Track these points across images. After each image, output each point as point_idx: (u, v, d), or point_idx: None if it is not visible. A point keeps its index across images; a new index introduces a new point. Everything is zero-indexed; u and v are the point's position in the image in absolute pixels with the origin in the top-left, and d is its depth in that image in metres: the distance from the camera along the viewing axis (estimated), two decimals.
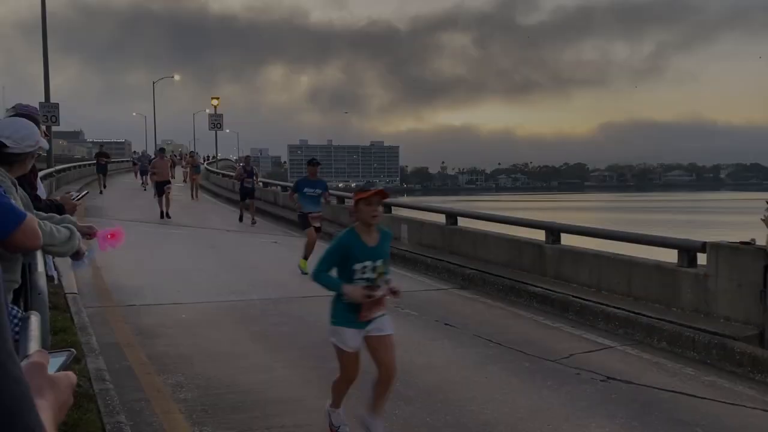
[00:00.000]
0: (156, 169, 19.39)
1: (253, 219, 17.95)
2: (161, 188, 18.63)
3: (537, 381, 5.77)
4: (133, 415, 4.69)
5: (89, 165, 37.68)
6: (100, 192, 25.47)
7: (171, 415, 4.80)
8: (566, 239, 9.70)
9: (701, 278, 7.20)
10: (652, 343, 6.99)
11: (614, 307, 7.72)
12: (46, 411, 0.95)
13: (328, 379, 5.67)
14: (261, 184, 24.03)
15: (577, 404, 5.22)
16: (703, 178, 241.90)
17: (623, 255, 8.54)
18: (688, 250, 7.53)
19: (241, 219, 18.45)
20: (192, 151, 37.27)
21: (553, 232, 9.68)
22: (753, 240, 6.71)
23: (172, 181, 20.45)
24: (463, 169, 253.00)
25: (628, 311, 7.52)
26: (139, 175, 31.30)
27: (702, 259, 7.38)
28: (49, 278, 5.28)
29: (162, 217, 18.07)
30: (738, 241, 6.92)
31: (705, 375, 6.06)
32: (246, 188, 18.16)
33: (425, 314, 8.18)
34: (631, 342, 7.10)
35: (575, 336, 7.35)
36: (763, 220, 6.43)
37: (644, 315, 7.31)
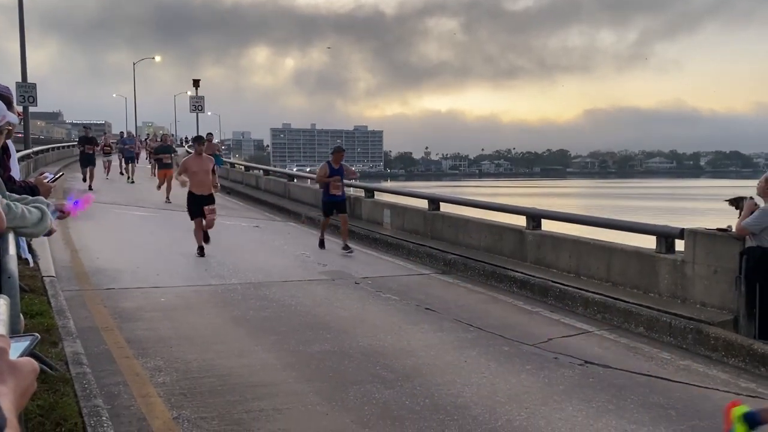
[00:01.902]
0: (190, 171, 10.79)
1: (345, 244, 11.39)
2: (198, 207, 10.71)
3: (515, 365, 5.82)
4: (110, 399, 4.66)
5: (68, 146, 37.14)
6: (89, 188, 19.94)
7: (149, 399, 4.77)
8: (547, 225, 9.77)
9: (679, 264, 7.30)
10: (630, 328, 7.08)
11: (593, 292, 7.81)
12: (6, 397, 0.93)
13: (308, 363, 5.69)
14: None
15: (554, 388, 5.28)
16: (683, 165, 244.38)
17: (603, 241, 8.62)
18: (666, 237, 7.62)
19: (322, 244, 11.79)
20: (209, 134, 22.59)
21: (534, 218, 9.73)
22: (729, 227, 6.81)
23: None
24: (447, 155, 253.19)
25: (607, 296, 7.60)
26: (123, 163, 25.29)
27: (680, 245, 7.47)
28: (24, 261, 5.20)
29: (202, 253, 10.60)
30: (715, 228, 7.02)
31: (680, 359, 6.16)
32: (334, 198, 11.82)
33: (406, 298, 8.21)
34: (609, 327, 7.19)
35: (554, 321, 7.43)
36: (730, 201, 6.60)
37: (622, 300, 7.40)
